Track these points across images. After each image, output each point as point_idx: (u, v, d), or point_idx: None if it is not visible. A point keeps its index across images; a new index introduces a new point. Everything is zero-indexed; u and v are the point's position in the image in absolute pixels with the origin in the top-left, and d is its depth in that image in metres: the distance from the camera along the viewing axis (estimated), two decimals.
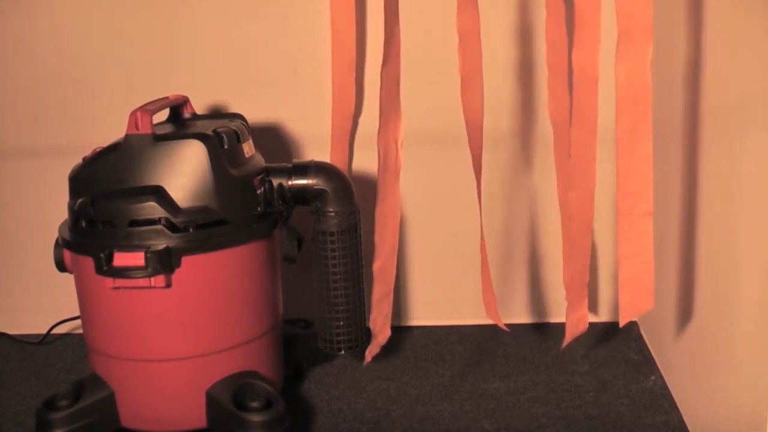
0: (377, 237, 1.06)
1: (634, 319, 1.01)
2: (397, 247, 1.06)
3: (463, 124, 1.07)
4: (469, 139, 1.06)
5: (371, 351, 1.13)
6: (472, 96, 1.05)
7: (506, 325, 1.46)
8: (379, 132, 1.04)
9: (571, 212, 1.10)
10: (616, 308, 1.46)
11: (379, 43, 1.34)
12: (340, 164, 1.34)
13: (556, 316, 1.48)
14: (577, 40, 1.03)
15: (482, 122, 1.07)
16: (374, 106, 1.36)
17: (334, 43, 1.33)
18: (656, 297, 1.23)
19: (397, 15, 1.02)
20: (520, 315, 1.47)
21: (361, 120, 1.39)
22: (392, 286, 1.09)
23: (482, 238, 1.11)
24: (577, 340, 1.40)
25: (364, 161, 1.38)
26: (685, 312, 1.14)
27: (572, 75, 1.03)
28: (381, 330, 1.11)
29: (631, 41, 0.95)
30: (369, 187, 1.38)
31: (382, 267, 1.07)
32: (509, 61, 1.36)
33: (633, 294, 1.02)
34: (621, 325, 1.04)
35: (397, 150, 1.04)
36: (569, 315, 1.16)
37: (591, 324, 1.45)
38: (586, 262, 1.12)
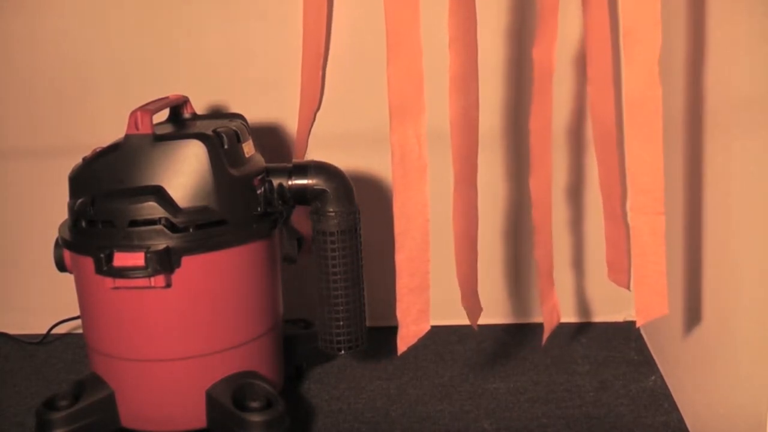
0: (399, 230, 1.06)
1: (648, 321, 1.03)
2: (428, 242, 1.07)
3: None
4: (457, 142, 1.07)
5: (405, 341, 1.09)
6: (463, 97, 1.06)
7: (507, 325, 1.46)
8: (391, 128, 1.03)
9: (533, 201, 1.16)
10: (615, 308, 1.46)
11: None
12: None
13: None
14: (539, 36, 1.10)
15: (477, 123, 1.07)
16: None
17: (304, 41, 1.34)
18: None
19: (417, 11, 1.01)
20: (520, 315, 1.47)
21: (354, 119, 1.39)
22: (427, 280, 1.08)
23: (461, 244, 1.12)
24: (577, 340, 1.41)
25: (364, 161, 1.38)
26: (685, 312, 1.14)
27: (533, 68, 1.12)
28: (415, 321, 1.09)
29: (637, 39, 0.95)
30: (369, 187, 1.38)
31: (408, 259, 1.06)
32: (502, 62, 1.36)
33: (646, 296, 1.03)
34: (638, 325, 1.05)
35: (419, 146, 1.04)
36: (543, 305, 1.20)
37: (591, 324, 1.46)
38: (550, 248, 1.18)
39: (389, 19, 1.02)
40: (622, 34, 0.96)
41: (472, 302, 1.15)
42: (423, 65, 1.02)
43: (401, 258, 1.07)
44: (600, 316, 1.48)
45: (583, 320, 1.47)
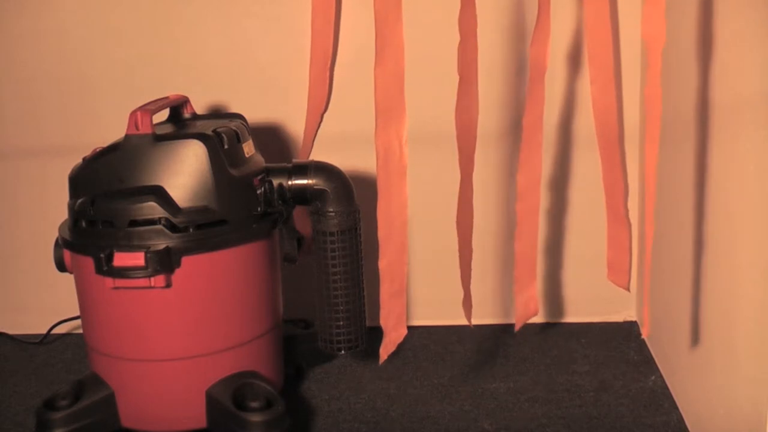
0: (382, 235, 1.06)
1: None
2: (406, 246, 1.07)
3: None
4: (459, 139, 1.07)
5: (386, 349, 1.12)
6: (467, 95, 1.06)
7: (507, 325, 1.46)
8: (376, 131, 1.04)
9: (518, 193, 1.17)
10: (615, 308, 1.46)
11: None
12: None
13: (557, 316, 1.48)
14: (535, 35, 1.11)
15: (476, 122, 1.08)
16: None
17: (313, 42, 1.35)
18: (656, 297, 1.23)
19: (400, 12, 1.02)
20: None
21: (354, 120, 1.39)
22: (404, 285, 1.09)
23: (462, 241, 1.12)
24: (577, 340, 1.41)
25: (362, 161, 1.38)
26: (685, 312, 1.14)
27: (528, 66, 1.12)
28: (394, 328, 1.11)
29: (654, 43, 0.97)
30: (369, 187, 1.38)
31: (389, 265, 1.07)
32: (502, 61, 1.36)
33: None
34: (644, 336, 1.05)
35: (401, 148, 1.05)
36: (517, 294, 1.21)
37: (591, 324, 1.46)
38: (534, 242, 1.19)
39: (378, 21, 1.03)
40: (643, 38, 0.96)
41: (468, 301, 1.16)
42: (405, 67, 1.03)
43: (383, 264, 1.07)
44: (600, 316, 1.48)
45: (583, 320, 1.47)
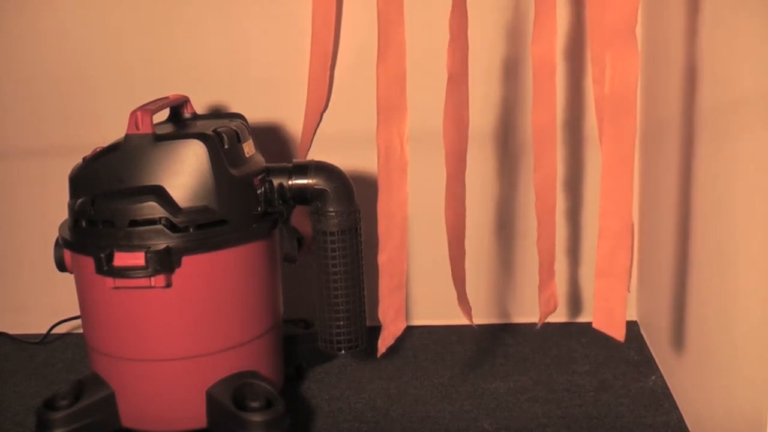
0: (381, 231, 1.07)
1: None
2: (406, 241, 1.08)
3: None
4: (448, 138, 1.07)
5: (384, 342, 1.12)
6: (458, 94, 1.06)
7: (507, 325, 1.46)
8: (378, 128, 1.04)
9: (536, 193, 1.17)
10: None
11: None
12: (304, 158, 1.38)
13: (556, 316, 1.48)
14: (536, 33, 1.11)
15: (468, 121, 1.08)
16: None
17: (313, 42, 1.35)
18: (656, 297, 1.23)
19: (402, 11, 1.02)
20: (520, 315, 1.47)
21: (355, 119, 1.39)
22: (403, 280, 1.10)
23: (452, 240, 1.12)
24: (577, 340, 1.41)
25: (362, 160, 1.38)
26: (685, 312, 1.14)
27: (532, 65, 1.12)
28: (393, 321, 1.12)
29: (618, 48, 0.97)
30: (369, 187, 1.38)
31: (389, 260, 1.08)
32: (495, 60, 1.36)
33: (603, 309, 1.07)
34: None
35: (402, 146, 1.05)
36: (540, 294, 1.22)
37: (591, 324, 1.46)
38: (552, 241, 1.19)
39: (380, 20, 1.03)
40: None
41: (464, 300, 1.16)
42: (407, 65, 1.03)
43: (383, 259, 1.08)
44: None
45: (584, 320, 1.47)
